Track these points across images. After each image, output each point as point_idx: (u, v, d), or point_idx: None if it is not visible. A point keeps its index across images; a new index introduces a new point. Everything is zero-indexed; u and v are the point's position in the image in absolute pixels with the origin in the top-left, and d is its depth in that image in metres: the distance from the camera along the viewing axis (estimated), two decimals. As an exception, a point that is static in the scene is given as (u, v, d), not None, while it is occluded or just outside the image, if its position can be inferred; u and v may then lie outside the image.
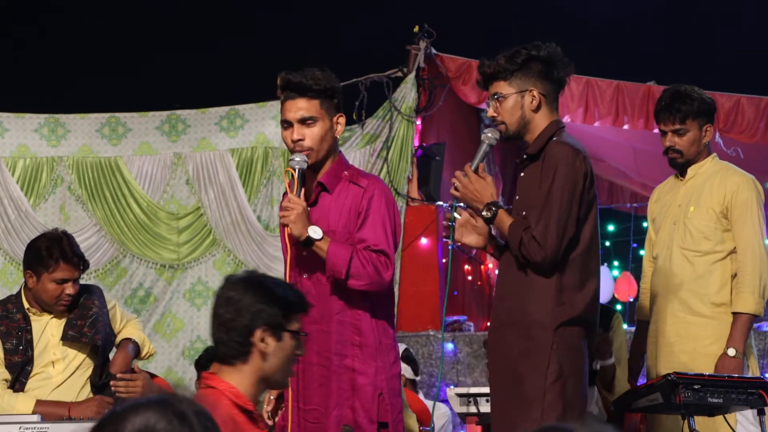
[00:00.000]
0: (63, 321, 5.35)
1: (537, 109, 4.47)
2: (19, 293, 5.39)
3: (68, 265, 5.21)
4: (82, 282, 5.36)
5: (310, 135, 4.39)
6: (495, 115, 4.51)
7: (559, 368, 4.28)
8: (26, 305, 5.30)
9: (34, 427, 4.78)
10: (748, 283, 5.27)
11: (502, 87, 4.49)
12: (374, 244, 4.30)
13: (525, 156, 4.53)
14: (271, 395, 4.41)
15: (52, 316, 5.32)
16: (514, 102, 4.48)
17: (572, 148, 4.42)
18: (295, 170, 4.36)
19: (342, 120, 4.45)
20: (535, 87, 4.46)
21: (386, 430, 4.31)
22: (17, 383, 5.27)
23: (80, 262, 5.25)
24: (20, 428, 4.78)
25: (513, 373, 4.34)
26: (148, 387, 5.35)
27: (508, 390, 4.34)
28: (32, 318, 5.31)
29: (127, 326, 5.55)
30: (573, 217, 4.35)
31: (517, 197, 4.53)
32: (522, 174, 4.56)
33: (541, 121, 4.49)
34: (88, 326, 5.33)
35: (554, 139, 4.46)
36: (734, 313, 5.27)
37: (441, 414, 7.11)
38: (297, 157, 4.38)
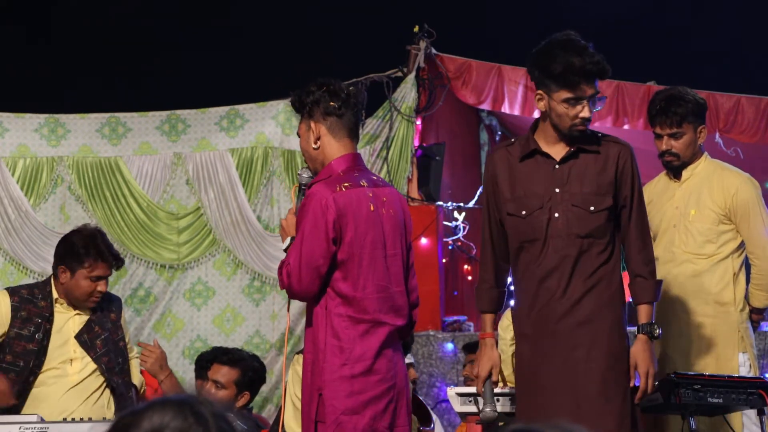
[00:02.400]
0: (84, 319, 5.36)
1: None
2: (47, 281, 5.39)
3: (104, 264, 5.31)
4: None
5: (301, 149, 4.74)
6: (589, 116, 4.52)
7: None
8: (55, 295, 5.32)
9: (34, 427, 4.78)
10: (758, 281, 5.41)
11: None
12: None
13: (574, 148, 4.54)
14: None
15: (77, 312, 5.33)
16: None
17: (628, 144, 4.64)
18: (298, 184, 4.71)
19: (313, 126, 4.59)
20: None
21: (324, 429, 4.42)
22: (31, 375, 5.26)
23: (114, 261, 5.36)
24: (20, 428, 4.78)
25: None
26: (162, 359, 5.50)
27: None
28: (57, 309, 5.31)
29: (132, 367, 5.57)
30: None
31: (566, 188, 4.49)
32: (559, 164, 4.52)
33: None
34: (102, 340, 5.34)
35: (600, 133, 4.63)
36: (754, 308, 5.43)
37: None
38: (304, 174, 4.71)
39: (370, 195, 4.52)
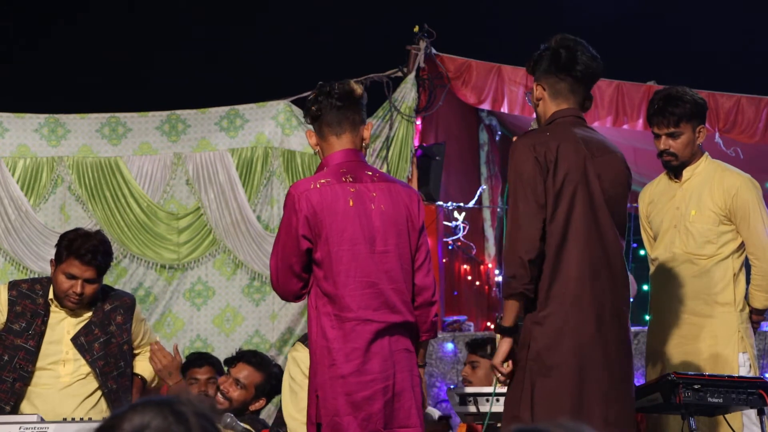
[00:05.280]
0: (83, 321, 5.31)
1: (538, 102, 4.57)
2: (50, 279, 5.34)
3: (79, 262, 5.17)
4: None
5: None
6: None
7: None
8: (50, 295, 5.27)
9: (34, 427, 4.78)
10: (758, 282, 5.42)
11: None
12: None
13: None
14: None
15: (74, 313, 5.28)
16: (533, 94, 4.59)
17: (523, 138, 4.47)
18: None
19: (308, 133, 4.70)
20: (539, 81, 4.54)
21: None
22: (17, 371, 5.22)
23: (94, 262, 5.19)
24: (20, 428, 4.78)
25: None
26: (172, 366, 5.40)
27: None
28: (52, 308, 5.27)
29: (143, 356, 5.51)
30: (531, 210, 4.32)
31: None
32: None
33: (544, 115, 4.58)
34: (100, 344, 5.27)
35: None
36: (754, 308, 5.43)
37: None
38: None
39: (352, 190, 4.49)
